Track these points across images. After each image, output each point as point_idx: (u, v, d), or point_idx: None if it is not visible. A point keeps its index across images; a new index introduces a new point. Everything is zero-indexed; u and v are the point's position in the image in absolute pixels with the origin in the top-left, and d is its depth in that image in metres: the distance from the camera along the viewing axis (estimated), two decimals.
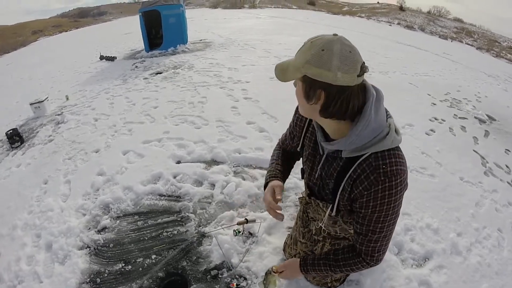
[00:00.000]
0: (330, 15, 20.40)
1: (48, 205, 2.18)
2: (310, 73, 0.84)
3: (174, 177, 2.29)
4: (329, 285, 1.52)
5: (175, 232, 1.86)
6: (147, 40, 7.26)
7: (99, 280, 1.62)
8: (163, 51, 7.09)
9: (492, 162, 3.50)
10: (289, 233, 1.69)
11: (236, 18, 10.93)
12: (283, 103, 3.48)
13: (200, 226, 1.90)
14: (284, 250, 1.67)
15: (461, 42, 19.59)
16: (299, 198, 1.51)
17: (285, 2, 29.53)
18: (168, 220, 1.95)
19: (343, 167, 0.97)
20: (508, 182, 3.23)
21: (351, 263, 1.09)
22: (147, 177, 2.27)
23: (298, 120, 1.20)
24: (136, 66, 5.96)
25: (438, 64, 8.28)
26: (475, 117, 4.68)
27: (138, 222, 1.94)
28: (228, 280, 1.58)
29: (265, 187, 1.25)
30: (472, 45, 18.92)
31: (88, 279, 1.63)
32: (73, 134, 3.17)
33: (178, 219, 1.95)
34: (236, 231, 1.77)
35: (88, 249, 1.81)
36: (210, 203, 2.08)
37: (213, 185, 2.22)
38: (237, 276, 1.60)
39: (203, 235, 1.83)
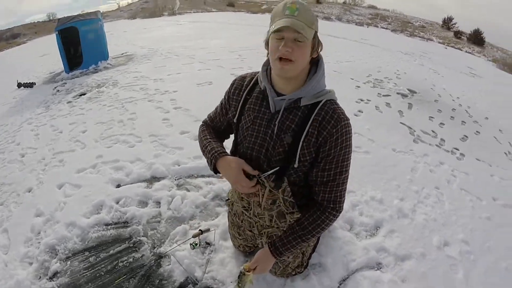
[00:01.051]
0: (250, 14, 20.89)
1: None
2: (316, 28, 1.03)
3: (117, 203, 2.15)
4: (293, 273, 1.56)
5: (131, 259, 1.74)
6: (66, 61, 6.63)
7: None
8: (84, 70, 6.56)
9: (419, 130, 3.90)
10: (230, 231, 1.71)
11: (156, 27, 10.62)
12: (213, 108, 3.50)
13: (154, 247, 1.81)
14: (238, 246, 1.70)
15: (377, 26, 21.45)
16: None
17: (204, 6, 29.49)
18: (121, 249, 1.81)
19: (302, 116, 1.09)
20: (436, 145, 3.63)
21: (319, 222, 1.15)
22: (88, 208, 2.09)
23: (235, 94, 1.24)
24: (58, 90, 5.46)
25: (358, 50, 8.94)
26: (397, 93, 5.17)
27: (90, 258, 1.77)
28: None
29: (214, 165, 1.20)
30: (387, 28, 20.83)
31: None
32: (0, 176, 2.81)
33: (131, 246, 1.83)
34: (193, 244, 1.72)
35: None
36: (159, 221, 2.00)
37: (158, 203, 2.14)
38: None
39: (160, 257, 1.74)
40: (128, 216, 2.02)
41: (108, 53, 7.07)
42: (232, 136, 1.37)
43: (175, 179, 2.38)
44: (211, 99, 3.64)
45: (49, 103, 4.78)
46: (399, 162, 2.99)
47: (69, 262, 1.76)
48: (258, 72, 1.23)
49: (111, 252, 1.80)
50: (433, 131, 3.98)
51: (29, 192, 2.47)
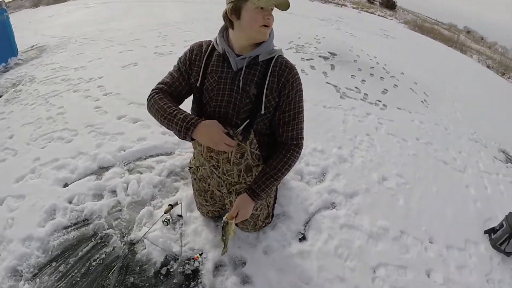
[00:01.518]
0: None
1: None
2: None
3: (70, 202, 2.02)
4: (263, 225, 1.74)
5: (103, 255, 1.69)
6: None
7: None
8: None
9: (344, 87, 4.33)
10: (196, 199, 1.81)
11: (64, 12, 9.41)
12: (144, 89, 3.41)
13: (124, 237, 1.79)
14: (206, 213, 1.82)
15: None
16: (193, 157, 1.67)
17: None
18: (89, 248, 1.74)
19: (262, 70, 1.29)
20: (361, 99, 4.09)
21: (286, 159, 1.33)
22: (41, 216, 1.92)
23: (196, 60, 1.34)
24: None
25: (276, 18, 9.15)
26: (319, 56, 5.58)
27: (59, 267, 1.66)
28: (181, 269, 1.60)
29: (191, 132, 1.21)
30: None
31: None
32: None
33: (99, 242, 1.77)
34: (166, 220, 1.76)
35: None
36: (120, 210, 1.96)
37: (114, 192, 2.08)
38: (186, 260, 1.64)
39: (132, 244, 1.74)
40: (86, 213, 1.93)
41: (17, 48, 6.19)
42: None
43: (125, 165, 2.33)
44: (139, 81, 3.63)
45: None
46: (332, 116, 3.35)
47: (37, 280, 1.62)
48: (210, 40, 1.36)
49: (80, 254, 1.71)
50: (356, 87, 4.46)
51: None
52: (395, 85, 5.13)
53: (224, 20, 1.25)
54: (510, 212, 2.30)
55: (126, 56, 4.56)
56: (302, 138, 1.39)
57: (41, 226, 1.88)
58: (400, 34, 12.77)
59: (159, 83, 1.39)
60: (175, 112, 1.24)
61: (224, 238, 1.35)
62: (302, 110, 1.36)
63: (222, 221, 1.33)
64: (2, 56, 5.80)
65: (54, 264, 1.69)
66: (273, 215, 1.81)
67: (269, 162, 1.35)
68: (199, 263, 1.64)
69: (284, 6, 1.19)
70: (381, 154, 2.88)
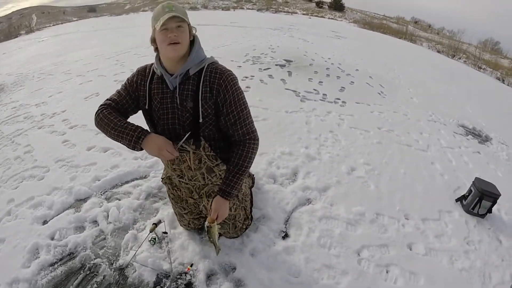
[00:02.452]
0: (114, 17, 19.67)
1: None
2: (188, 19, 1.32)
3: (52, 239, 2.00)
4: (243, 227, 1.86)
5: (95, 285, 1.70)
6: None
7: None
8: None
9: (303, 91, 4.58)
10: (175, 211, 1.90)
11: (16, 49, 9.09)
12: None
13: (112, 264, 1.81)
14: (187, 225, 1.90)
15: (243, 8, 22.63)
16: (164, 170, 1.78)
17: (64, 16, 26.34)
18: (79, 281, 1.74)
19: (194, 82, 1.37)
20: (320, 99, 4.33)
21: (245, 154, 1.44)
22: (24, 257, 1.88)
23: (141, 85, 1.46)
24: None
25: (230, 33, 9.45)
26: (276, 64, 5.86)
27: None
28: (174, 285, 1.66)
29: (140, 142, 1.35)
30: (252, 9, 22.19)
31: None
32: None
33: (88, 273, 1.77)
34: (153, 239, 1.82)
35: None
36: (105, 238, 1.98)
37: (95, 222, 2.10)
38: (177, 276, 1.70)
39: (122, 269, 1.76)
40: (70, 247, 1.92)
41: None
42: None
43: (101, 194, 2.35)
44: None
45: None
46: (295, 120, 3.55)
47: None
48: (152, 64, 1.48)
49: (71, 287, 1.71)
50: (314, 89, 4.73)
51: None
52: (351, 82, 5.47)
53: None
54: (476, 178, 2.53)
55: (86, 87, 4.53)
56: (254, 131, 1.48)
57: (26, 267, 1.84)
58: (351, 34, 13.53)
59: (106, 100, 1.51)
60: (125, 125, 1.39)
61: (211, 240, 1.47)
62: (246, 106, 1.43)
63: (206, 226, 1.45)
64: None
65: None
66: (252, 217, 1.92)
67: (231, 161, 1.47)
68: (191, 276, 1.70)
69: (176, 18, 1.27)
70: (347, 147, 3.10)
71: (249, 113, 1.46)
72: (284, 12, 19.42)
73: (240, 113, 1.41)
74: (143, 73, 1.48)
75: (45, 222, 2.14)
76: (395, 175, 2.77)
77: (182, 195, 1.76)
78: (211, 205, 1.50)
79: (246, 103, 1.45)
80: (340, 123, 3.65)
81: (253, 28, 10.22)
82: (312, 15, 19.99)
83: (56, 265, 1.85)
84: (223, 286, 1.66)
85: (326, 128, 3.44)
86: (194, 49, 1.37)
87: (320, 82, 5.16)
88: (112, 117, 1.41)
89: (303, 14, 20.27)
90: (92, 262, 1.83)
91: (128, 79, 1.51)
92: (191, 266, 1.73)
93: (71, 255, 1.90)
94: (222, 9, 21.91)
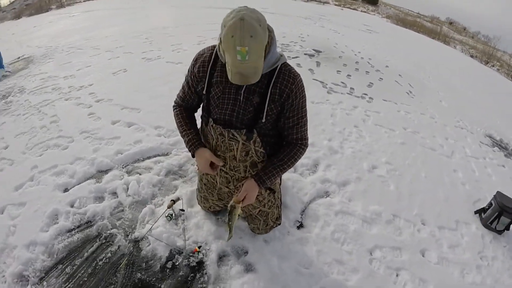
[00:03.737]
0: None
1: None
2: (265, 40, 1.18)
3: (72, 206, 2.06)
4: (274, 226, 1.83)
5: (109, 254, 1.74)
6: None
7: None
8: None
9: (331, 83, 4.45)
10: (201, 194, 1.87)
11: (47, 23, 9.29)
12: (136, 93, 3.47)
13: (128, 235, 1.84)
14: (208, 208, 1.89)
15: None
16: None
17: None
18: (94, 248, 1.79)
19: (265, 81, 1.31)
20: (347, 93, 4.21)
21: (292, 154, 1.43)
22: (43, 221, 1.96)
23: (200, 72, 1.39)
24: None
25: None
26: (305, 54, 5.70)
27: (66, 269, 1.69)
28: (186, 262, 1.67)
29: (193, 155, 1.48)
30: None
31: None
32: None
33: (103, 242, 1.82)
34: (169, 215, 1.83)
35: None
36: (123, 210, 2.02)
37: (115, 193, 2.14)
38: (190, 253, 1.71)
39: (137, 241, 1.80)
40: (89, 215, 1.98)
41: (2, 60, 6.13)
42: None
43: (123, 167, 2.38)
44: (130, 86, 3.69)
45: None
46: (320, 111, 3.46)
47: (45, 283, 1.65)
48: (213, 47, 1.39)
49: (86, 255, 1.76)
50: (342, 82, 4.59)
51: None
52: (380, 78, 5.28)
53: None
54: (497, 192, 2.41)
55: (115, 63, 4.58)
56: (306, 139, 1.48)
57: (44, 231, 1.91)
58: (383, 29, 13.04)
59: (176, 96, 1.59)
60: (184, 133, 1.51)
61: (230, 223, 1.42)
62: (306, 114, 1.43)
63: (229, 205, 1.40)
64: None
65: (60, 266, 1.72)
66: (281, 215, 1.87)
67: (277, 155, 1.44)
68: (203, 255, 1.71)
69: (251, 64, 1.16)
70: (370, 144, 3.00)
71: (307, 120, 1.46)
72: (316, 1, 18.88)
73: (300, 119, 1.41)
74: (203, 59, 1.40)
75: (66, 190, 2.20)
76: (416, 178, 2.68)
77: (217, 183, 1.72)
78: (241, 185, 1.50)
79: (307, 110, 1.44)
80: (365, 119, 3.54)
81: (284, 15, 10.02)
82: (344, 7, 19.36)
83: (73, 232, 1.90)
84: (234, 268, 1.67)
85: (351, 123, 3.34)
86: (270, 52, 1.26)
87: (348, 75, 5.00)
88: (177, 120, 1.55)
89: (336, 4, 19.65)
90: (108, 231, 1.88)
91: (189, 70, 1.47)
92: (199, 248, 1.73)
93: (88, 223, 1.95)
94: None
